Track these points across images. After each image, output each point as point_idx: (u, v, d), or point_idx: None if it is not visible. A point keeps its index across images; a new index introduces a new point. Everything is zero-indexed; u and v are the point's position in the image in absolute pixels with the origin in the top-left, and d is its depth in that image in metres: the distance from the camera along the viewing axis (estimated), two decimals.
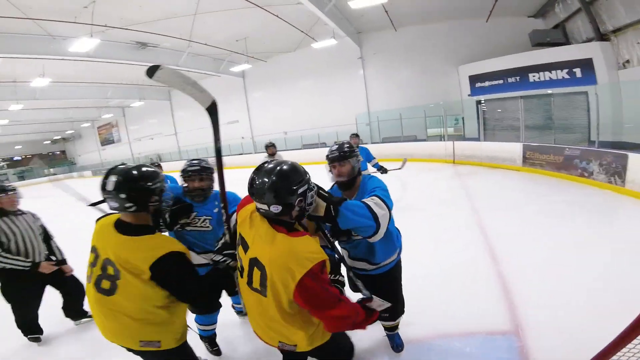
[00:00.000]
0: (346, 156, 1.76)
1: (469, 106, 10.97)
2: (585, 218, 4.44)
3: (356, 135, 5.63)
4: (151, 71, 1.12)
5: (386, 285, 1.95)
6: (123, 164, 1.44)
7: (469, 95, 10.93)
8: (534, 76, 8.90)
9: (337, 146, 1.82)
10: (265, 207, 1.22)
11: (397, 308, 2.02)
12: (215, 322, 2.38)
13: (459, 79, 11.09)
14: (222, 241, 1.52)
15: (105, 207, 1.46)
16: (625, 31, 7.11)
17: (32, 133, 26.15)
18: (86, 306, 2.78)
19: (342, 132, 14.38)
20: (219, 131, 1.37)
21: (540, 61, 8.70)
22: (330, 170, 1.83)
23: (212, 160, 1.89)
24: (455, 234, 4.26)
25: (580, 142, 7.47)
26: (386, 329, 2.21)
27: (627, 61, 7.26)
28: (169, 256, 1.31)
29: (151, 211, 1.43)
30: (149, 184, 1.39)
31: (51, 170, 31.10)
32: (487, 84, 10.20)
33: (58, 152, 33.56)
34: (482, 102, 10.49)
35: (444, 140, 10.27)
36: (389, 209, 1.48)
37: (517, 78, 9.30)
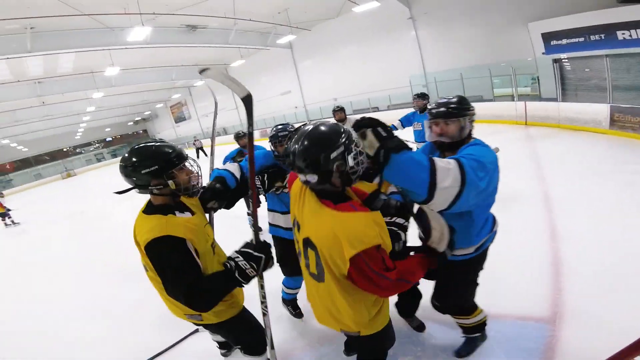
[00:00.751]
0: (454, 114, 1.46)
1: (544, 65, 9.44)
2: None
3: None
4: (203, 71, 1.28)
5: (446, 279, 1.70)
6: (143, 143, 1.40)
7: (543, 53, 9.30)
8: (623, 34, 7.19)
9: (445, 100, 1.53)
10: (302, 176, 1.10)
11: (452, 304, 1.78)
12: (299, 287, 2.42)
13: (530, 37, 9.40)
14: (247, 241, 1.36)
15: None
16: None
17: (116, 116, 29.75)
18: None
19: (394, 95, 13.67)
20: (253, 118, 1.38)
21: (630, 18, 7.00)
22: (430, 127, 1.55)
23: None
24: (515, 204, 3.75)
25: None
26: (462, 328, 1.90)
27: None
28: (157, 240, 1.22)
29: (163, 193, 1.35)
30: (144, 169, 1.29)
31: None
32: (564, 41, 8.53)
33: (141, 132, 37.93)
34: (565, 59, 8.92)
35: (515, 101, 9.23)
36: (468, 184, 1.11)
37: (602, 36, 7.60)
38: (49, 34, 9.42)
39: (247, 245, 1.32)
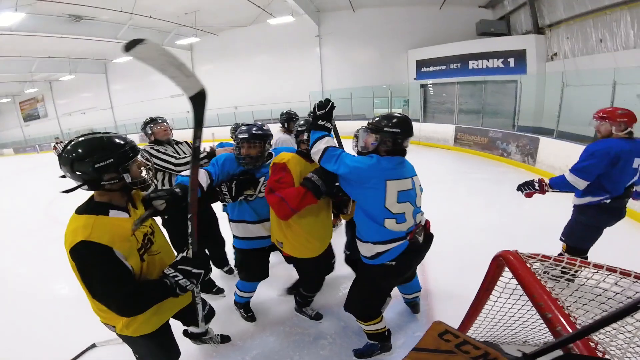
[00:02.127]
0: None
1: (414, 89, 11.74)
2: (498, 190, 5.27)
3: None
4: (130, 46, 0.99)
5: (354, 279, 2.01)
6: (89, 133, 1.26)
7: (414, 78, 11.68)
8: (473, 63, 9.78)
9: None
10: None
11: (347, 303, 1.96)
12: (254, 290, 2.39)
13: (407, 63, 11.76)
14: (182, 255, 1.29)
15: None
16: (559, 26, 7.90)
17: None
18: None
19: (295, 108, 14.43)
20: (202, 127, 1.23)
21: (481, 50, 9.50)
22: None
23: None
24: None
25: (506, 126, 8.29)
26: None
27: (555, 54, 8.18)
28: (81, 245, 1.10)
29: (113, 188, 1.23)
30: (97, 163, 1.17)
31: None
32: (431, 69, 11.02)
33: None
34: (430, 85, 11.30)
35: None
36: (322, 161, 1.66)
37: (459, 65, 10.14)
38: None
39: (184, 260, 1.26)
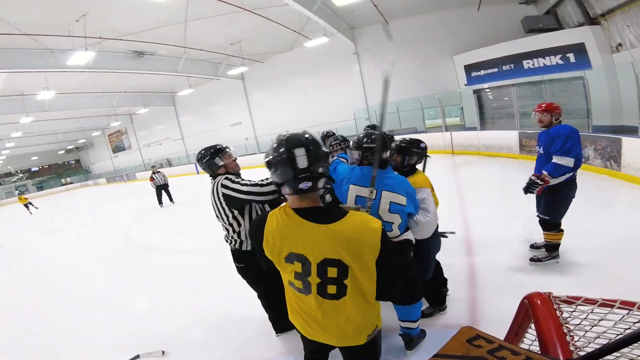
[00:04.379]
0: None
1: (467, 96, 10.81)
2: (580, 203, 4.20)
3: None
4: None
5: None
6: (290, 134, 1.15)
7: (465, 84, 10.77)
8: (528, 63, 8.74)
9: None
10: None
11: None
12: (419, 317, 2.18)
13: (455, 69, 10.90)
14: None
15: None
16: (613, 14, 6.93)
17: (45, 144, 27.08)
18: None
19: (341, 127, 14.42)
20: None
21: (533, 48, 8.55)
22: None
23: None
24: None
25: (579, 127, 7.20)
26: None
27: (620, 44, 7.06)
28: (382, 228, 1.15)
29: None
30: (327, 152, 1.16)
31: (68, 179, 32.27)
32: (482, 72, 10.06)
33: (72, 162, 34.71)
34: (487, 90, 10.30)
35: (442, 131, 10.19)
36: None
37: (512, 65, 9.14)
38: None
39: None
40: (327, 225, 1.10)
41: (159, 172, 9.68)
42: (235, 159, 2.19)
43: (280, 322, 2.46)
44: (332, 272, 1.14)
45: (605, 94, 7.06)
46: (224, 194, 1.97)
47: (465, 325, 0.78)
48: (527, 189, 2.60)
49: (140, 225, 7.96)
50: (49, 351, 2.92)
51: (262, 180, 1.93)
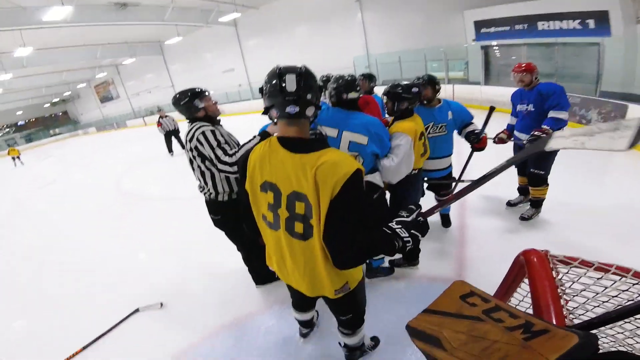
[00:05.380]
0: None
1: (473, 51, 10.36)
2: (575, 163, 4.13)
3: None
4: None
5: None
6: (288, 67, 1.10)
7: (473, 40, 10.22)
8: (543, 24, 8.22)
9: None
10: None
11: None
12: None
13: (464, 24, 10.23)
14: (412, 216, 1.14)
15: None
16: None
17: (30, 98, 25.84)
18: None
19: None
20: None
21: (552, 10, 7.96)
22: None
23: None
24: None
25: (586, 92, 7.02)
26: None
27: None
28: (357, 174, 1.03)
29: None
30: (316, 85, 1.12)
31: (56, 130, 31.47)
32: (492, 30, 9.49)
33: (60, 113, 33.47)
34: (495, 47, 9.87)
35: (445, 84, 10.05)
36: None
37: (525, 26, 8.60)
38: None
39: (415, 224, 1.10)
40: (301, 154, 1.06)
41: (167, 116, 8.44)
42: (216, 102, 2.10)
43: (261, 275, 2.51)
44: (300, 207, 1.09)
45: (619, 63, 6.81)
46: (196, 146, 1.91)
47: (457, 280, 0.71)
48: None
49: (135, 173, 7.87)
50: (46, 308, 2.95)
51: (235, 150, 1.91)
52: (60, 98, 30.06)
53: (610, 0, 6.94)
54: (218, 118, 2.10)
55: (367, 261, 2.22)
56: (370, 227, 1.07)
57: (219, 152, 1.88)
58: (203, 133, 1.90)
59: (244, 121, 9.27)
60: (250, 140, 1.88)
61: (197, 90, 2.00)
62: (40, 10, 8.90)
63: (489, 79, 10.13)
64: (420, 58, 11.25)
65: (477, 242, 2.81)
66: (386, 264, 2.50)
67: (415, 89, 2.10)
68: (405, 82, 2.15)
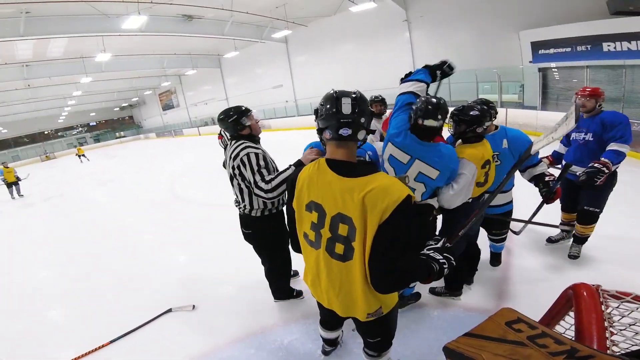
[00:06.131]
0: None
1: (530, 73, 9.81)
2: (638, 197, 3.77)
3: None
4: None
5: None
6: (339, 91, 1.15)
7: (530, 62, 9.71)
8: (608, 46, 7.57)
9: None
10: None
11: None
12: None
13: (519, 45, 9.80)
14: (442, 242, 1.26)
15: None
16: None
17: (102, 102, 29.13)
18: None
19: (386, 95, 13.88)
20: None
21: (617, 30, 7.37)
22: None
23: None
24: None
25: None
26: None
27: None
28: (405, 201, 1.03)
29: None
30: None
31: (121, 133, 34.87)
32: (552, 51, 8.92)
33: (126, 118, 37.15)
34: (554, 69, 9.30)
35: (498, 107, 9.41)
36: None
37: (588, 47, 7.98)
38: (43, 19, 9.27)
39: (446, 249, 1.21)
40: (349, 178, 1.09)
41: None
42: (258, 121, 2.15)
43: (280, 290, 2.55)
44: (343, 229, 1.11)
45: None
46: (239, 166, 1.97)
47: (505, 307, 0.73)
48: (591, 179, 2.28)
49: (187, 178, 8.40)
50: (87, 296, 3.16)
51: (272, 177, 1.93)
52: (128, 103, 33.47)
53: None
54: (259, 137, 2.17)
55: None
56: (411, 253, 1.10)
57: (258, 178, 1.92)
58: (248, 155, 1.94)
59: (288, 136, 9.61)
60: (285, 170, 1.95)
61: (243, 108, 2.06)
62: (120, 18, 10.07)
63: (546, 104, 9.51)
64: (472, 79, 10.78)
65: (519, 277, 2.61)
66: (417, 290, 2.39)
67: (475, 112, 1.93)
68: (472, 104, 2.02)
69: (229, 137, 2.16)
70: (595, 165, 2.26)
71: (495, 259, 2.71)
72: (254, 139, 2.10)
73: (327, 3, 12.98)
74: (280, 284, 2.53)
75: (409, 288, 2.23)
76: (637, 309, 0.81)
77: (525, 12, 9.72)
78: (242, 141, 2.02)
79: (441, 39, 12.06)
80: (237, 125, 2.03)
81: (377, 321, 1.26)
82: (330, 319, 1.70)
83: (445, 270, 1.12)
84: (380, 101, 4.02)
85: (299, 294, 2.59)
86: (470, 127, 1.92)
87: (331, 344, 1.98)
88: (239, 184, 2.07)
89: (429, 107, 1.68)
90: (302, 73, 17.74)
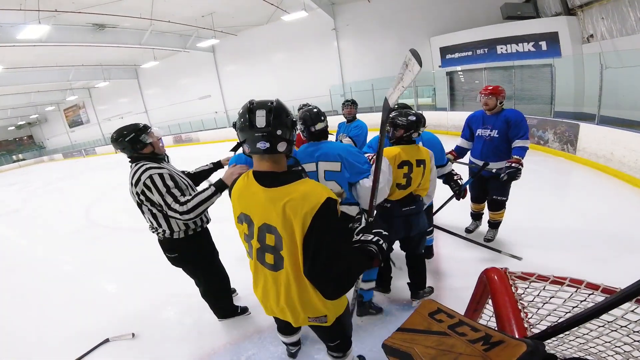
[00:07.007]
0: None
1: (440, 77, 11.08)
2: (538, 183, 4.70)
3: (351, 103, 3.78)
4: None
5: None
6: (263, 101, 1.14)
7: (439, 66, 10.98)
8: (501, 48, 9.00)
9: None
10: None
11: None
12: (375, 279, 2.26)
13: (430, 50, 11.05)
14: (367, 222, 1.35)
15: None
16: (591, 6, 7.21)
17: None
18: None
19: (316, 103, 14.27)
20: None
21: (509, 34, 8.76)
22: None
23: None
24: None
25: (542, 112, 7.67)
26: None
27: (592, 35, 7.43)
28: (329, 203, 1.04)
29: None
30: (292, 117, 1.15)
31: (19, 155, 29.89)
32: (456, 55, 10.27)
33: (25, 137, 31.95)
34: (460, 72, 10.59)
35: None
36: None
37: (485, 50, 9.38)
38: None
39: (375, 224, 1.30)
40: (271, 188, 1.09)
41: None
42: (160, 138, 1.98)
43: (222, 309, 2.44)
44: (270, 239, 1.12)
45: (570, 82, 7.53)
46: (143, 191, 1.80)
47: (426, 299, 0.76)
48: (512, 178, 2.57)
49: (103, 203, 7.56)
50: (11, 341, 2.78)
51: (188, 199, 1.78)
52: (26, 121, 28.84)
53: (559, 23, 7.75)
54: (163, 154, 2.01)
55: (360, 296, 2.24)
56: (345, 248, 1.14)
57: (169, 200, 1.77)
58: (151, 178, 1.78)
59: (219, 149, 9.29)
60: (205, 190, 1.80)
61: (141, 125, 1.90)
62: (15, 27, 8.81)
63: (454, 105, 10.72)
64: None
65: (450, 268, 2.88)
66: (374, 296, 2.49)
67: (412, 117, 2.03)
68: (408, 110, 2.14)
69: (129, 160, 1.95)
70: (513, 165, 2.54)
71: (428, 252, 2.97)
72: (157, 157, 1.94)
73: (259, 13, 12.91)
74: (221, 303, 2.41)
75: (366, 292, 2.25)
76: (542, 288, 0.88)
77: (436, 19, 10.92)
78: (142, 163, 1.85)
79: (366, 47, 12.98)
80: (137, 144, 1.86)
81: (332, 325, 1.28)
82: (285, 325, 1.72)
83: (384, 244, 1.16)
84: (352, 103, 3.74)
85: (244, 310, 2.49)
86: (407, 132, 2.03)
87: (295, 345, 2.00)
88: (149, 210, 1.89)
89: (313, 113, 1.88)
90: (232, 83, 17.26)
